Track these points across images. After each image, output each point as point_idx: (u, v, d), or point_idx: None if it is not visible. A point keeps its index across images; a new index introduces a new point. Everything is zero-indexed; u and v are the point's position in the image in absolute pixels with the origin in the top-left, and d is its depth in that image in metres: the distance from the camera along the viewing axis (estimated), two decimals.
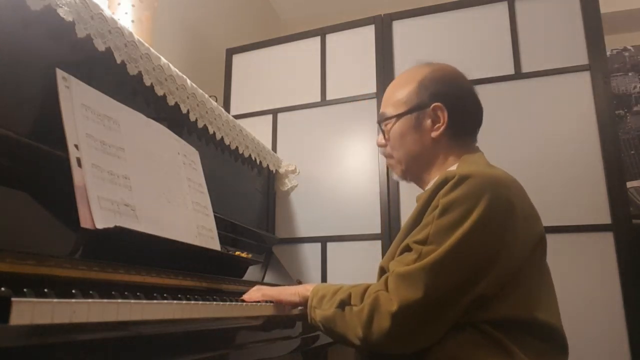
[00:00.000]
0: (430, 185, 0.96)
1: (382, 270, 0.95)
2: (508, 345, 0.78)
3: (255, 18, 3.05)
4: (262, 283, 1.36)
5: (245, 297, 1.00)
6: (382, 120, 1.06)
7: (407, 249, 0.84)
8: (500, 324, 0.80)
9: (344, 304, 0.85)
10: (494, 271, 0.79)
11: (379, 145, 1.10)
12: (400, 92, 1.04)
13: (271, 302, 1.02)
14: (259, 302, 0.98)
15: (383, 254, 1.64)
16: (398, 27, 2.09)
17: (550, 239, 1.65)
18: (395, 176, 1.11)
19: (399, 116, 1.02)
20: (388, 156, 1.08)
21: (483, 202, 0.79)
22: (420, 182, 1.06)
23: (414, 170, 1.04)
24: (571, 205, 1.67)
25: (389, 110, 1.05)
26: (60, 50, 0.91)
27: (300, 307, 1.01)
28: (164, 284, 0.86)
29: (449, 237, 0.78)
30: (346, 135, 2.05)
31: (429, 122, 0.99)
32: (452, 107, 0.98)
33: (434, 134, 0.98)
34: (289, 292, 0.99)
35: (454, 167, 0.95)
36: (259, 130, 2.10)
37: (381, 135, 1.08)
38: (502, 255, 0.79)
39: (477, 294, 0.78)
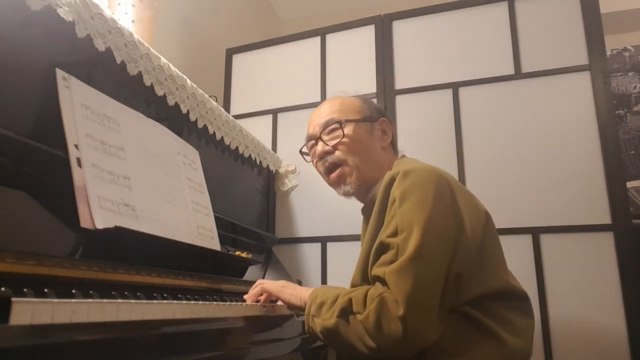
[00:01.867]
0: (375, 190, 1.01)
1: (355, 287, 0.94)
2: (486, 323, 0.82)
3: (255, 18, 3.05)
4: None
5: (246, 296, 0.99)
6: (339, 121, 1.05)
7: (383, 248, 0.86)
8: (478, 302, 0.84)
9: (346, 312, 0.82)
10: (462, 246, 0.84)
11: (325, 154, 1.07)
12: (349, 104, 1.10)
13: (272, 301, 1.02)
14: (258, 302, 0.98)
15: None
16: (398, 27, 2.09)
17: (550, 239, 1.68)
18: (346, 187, 1.07)
19: (358, 120, 1.07)
20: (339, 163, 1.05)
21: (432, 186, 0.86)
22: (367, 191, 1.07)
23: (367, 177, 1.05)
24: (571, 205, 1.67)
25: (341, 115, 1.07)
26: (60, 50, 0.91)
27: (298, 311, 1.00)
28: (164, 284, 0.86)
29: (416, 220, 0.82)
30: None
31: (379, 133, 1.09)
32: (390, 123, 1.12)
33: (383, 144, 1.09)
34: (289, 292, 0.97)
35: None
36: (259, 130, 2.10)
37: (322, 143, 1.07)
38: (463, 229, 0.85)
39: (454, 273, 0.82)
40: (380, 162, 1.07)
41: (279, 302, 1.01)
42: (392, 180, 0.90)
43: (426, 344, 0.79)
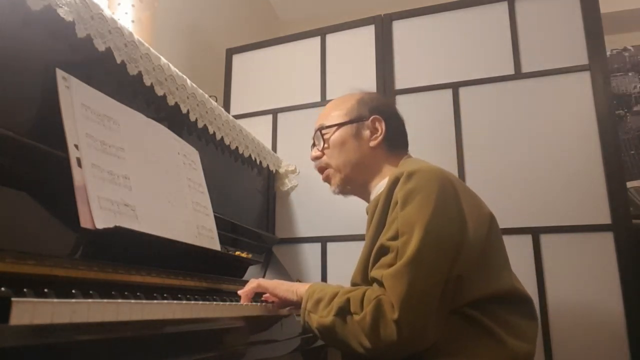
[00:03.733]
0: (378, 190, 1.03)
1: (354, 286, 0.95)
2: (487, 324, 0.82)
3: (255, 18, 3.05)
4: None
5: (241, 291, 1.00)
6: (322, 128, 1.11)
7: (383, 250, 0.86)
8: (479, 304, 0.84)
9: (343, 311, 0.83)
10: (465, 249, 0.84)
11: (314, 158, 1.15)
12: (339, 108, 1.13)
13: (267, 301, 1.02)
14: (255, 302, 0.98)
15: None
16: (398, 27, 2.09)
17: (550, 239, 1.68)
18: (332, 187, 1.14)
19: (340, 125, 1.10)
20: (325, 166, 1.13)
21: (436, 189, 0.86)
22: (361, 190, 1.12)
23: (355, 178, 1.09)
24: (571, 205, 1.67)
25: (328, 121, 1.12)
26: (60, 50, 0.91)
27: (292, 307, 1.00)
28: (164, 284, 0.86)
29: (417, 224, 0.81)
30: None
31: (367, 132, 1.09)
32: (388, 121, 1.09)
33: (372, 143, 1.08)
34: (285, 288, 0.98)
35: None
36: (259, 130, 2.10)
37: (315, 148, 1.14)
38: (466, 232, 0.85)
39: (455, 275, 0.82)
40: (369, 162, 1.08)
41: (273, 299, 1.01)
42: (395, 181, 0.90)
43: (421, 347, 0.80)
